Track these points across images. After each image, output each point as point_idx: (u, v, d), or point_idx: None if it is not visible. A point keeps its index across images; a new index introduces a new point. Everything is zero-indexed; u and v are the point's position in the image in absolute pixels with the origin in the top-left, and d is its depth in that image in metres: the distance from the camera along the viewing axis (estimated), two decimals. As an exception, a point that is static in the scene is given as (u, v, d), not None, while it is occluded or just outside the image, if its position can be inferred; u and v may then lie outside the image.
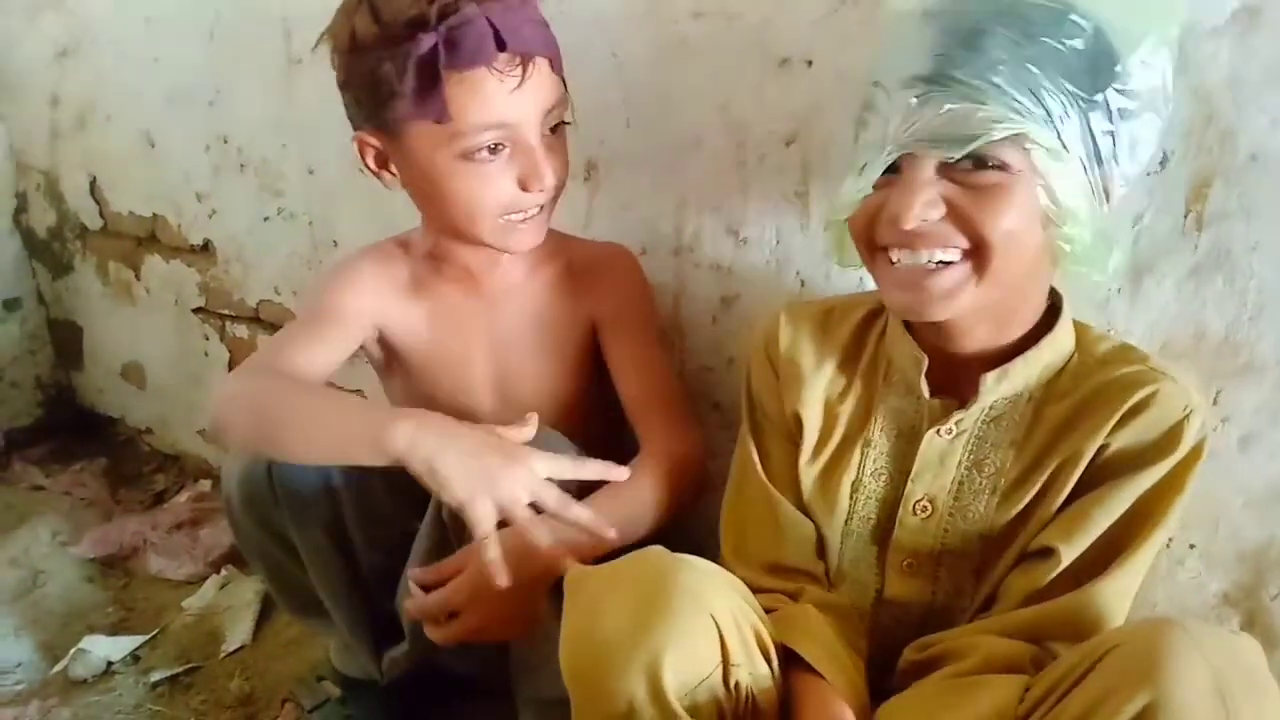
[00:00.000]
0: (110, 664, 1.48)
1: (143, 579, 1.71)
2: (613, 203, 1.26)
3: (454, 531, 0.98)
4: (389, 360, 1.16)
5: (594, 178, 1.26)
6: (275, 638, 1.52)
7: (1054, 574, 0.80)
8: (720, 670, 0.75)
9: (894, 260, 0.79)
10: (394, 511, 1.11)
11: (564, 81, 0.98)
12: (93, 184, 2.03)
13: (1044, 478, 0.83)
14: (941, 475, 0.87)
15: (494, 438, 0.89)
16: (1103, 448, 0.80)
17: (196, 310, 1.95)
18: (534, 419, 0.93)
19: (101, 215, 2.05)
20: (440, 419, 0.88)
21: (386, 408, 0.93)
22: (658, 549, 0.79)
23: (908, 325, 0.88)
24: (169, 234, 1.92)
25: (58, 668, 1.47)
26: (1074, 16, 0.72)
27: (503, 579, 0.84)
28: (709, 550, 0.86)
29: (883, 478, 0.90)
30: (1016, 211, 0.74)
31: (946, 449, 0.87)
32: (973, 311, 0.80)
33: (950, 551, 0.88)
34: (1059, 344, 0.84)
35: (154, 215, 1.93)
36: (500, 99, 0.91)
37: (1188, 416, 0.78)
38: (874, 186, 0.78)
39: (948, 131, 0.72)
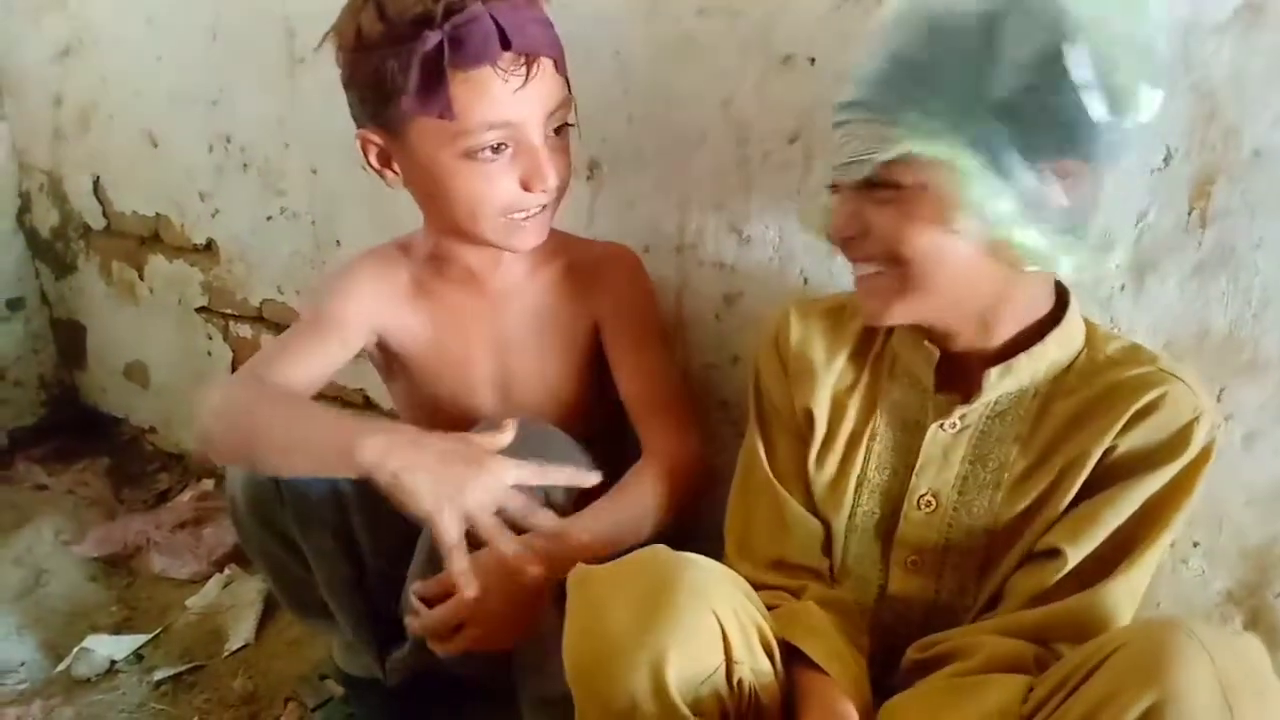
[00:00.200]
0: (113, 663, 1.48)
1: (146, 578, 1.71)
2: (615, 201, 1.26)
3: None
4: (390, 363, 1.16)
5: (597, 176, 1.26)
6: (278, 637, 1.52)
7: (1060, 575, 0.80)
8: (723, 668, 0.75)
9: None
10: (401, 515, 1.11)
11: (568, 82, 0.98)
12: (96, 184, 2.03)
13: (1050, 475, 0.83)
14: (945, 470, 0.87)
15: (462, 446, 0.88)
16: (1110, 449, 0.80)
17: (200, 310, 1.95)
18: (511, 425, 0.93)
19: (104, 215, 2.06)
20: (411, 432, 0.89)
21: (358, 421, 0.92)
22: (661, 547, 0.79)
23: None
24: (172, 234, 1.92)
25: (61, 667, 1.47)
26: (969, 23, 0.71)
27: (471, 590, 0.84)
28: (713, 550, 0.86)
29: (887, 472, 0.91)
30: (918, 226, 0.76)
31: (950, 443, 0.87)
32: (927, 317, 0.83)
33: (954, 548, 0.88)
34: (1066, 340, 0.84)
35: (157, 215, 1.94)
36: (504, 98, 0.91)
37: (1197, 419, 0.78)
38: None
39: (844, 155, 0.78)
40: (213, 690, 1.42)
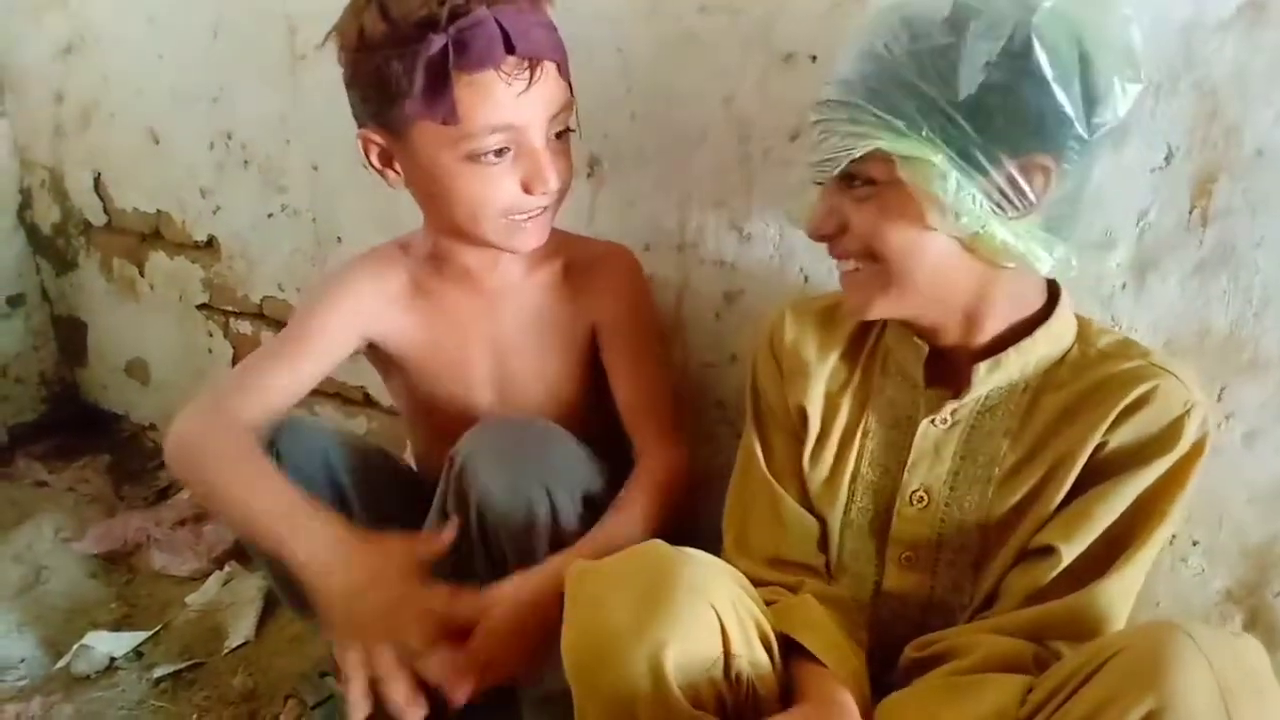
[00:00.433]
0: (113, 660, 1.47)
1: (146, 575, 1.71)
2: (616, 198, 1.26)
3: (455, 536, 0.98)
4: (387, 364, 1.16)
5: (598, 173, 1.26)
6: (278, 634, 1.52)
7: (1055, 572, 0.80)
8: (722, 661, 0.75)
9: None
10: (402, 514, 1.11)
11: (571, 86, 0.98)
12: (97, 180, 2.03)
13: (1040, 470, 0.83)
14: (937, 465, 0.87)
15: (393, 589, 0.88)
16: (1101, 445, 0.80)
17: (200, 306, 1.95)
18: (452, 526, 0.95)
19: (105, 211, 2.06)
20: (354, 545, 0.90)
21: (308, 512, 0.92)
22: (658, 542, 0.80)
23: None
24: (173, 230, 1.92)
25: (60, 664, 1.47)
26: (937, 21, 0.72)
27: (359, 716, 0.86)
28: (712, 549, 0.86)
29: (880, 468, 0.91)
30: (894, 223, 0.77)
31: (941, 438, 0.87)
32: (910, 313, 0.84)
33: (948, 543, 0.88)
34: (1056, 335, 0.84)
35: (158, 211, 1.94)
36: (507, 102, 0.91)
37: (1188, 412, 0.78)
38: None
39: (820, 153, 0.79)
40: (212, 687, 1.42)
